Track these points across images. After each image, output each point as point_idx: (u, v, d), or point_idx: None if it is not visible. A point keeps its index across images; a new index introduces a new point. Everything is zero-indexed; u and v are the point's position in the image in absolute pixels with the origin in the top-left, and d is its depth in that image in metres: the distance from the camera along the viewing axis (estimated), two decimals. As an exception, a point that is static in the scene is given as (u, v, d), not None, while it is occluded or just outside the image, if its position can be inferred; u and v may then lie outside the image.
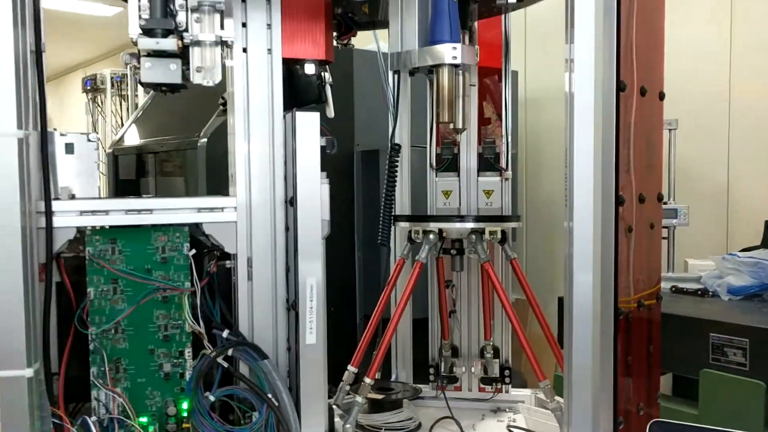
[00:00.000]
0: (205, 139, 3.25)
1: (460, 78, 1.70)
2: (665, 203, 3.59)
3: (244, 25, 1.63)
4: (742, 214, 3.90)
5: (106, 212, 1.55)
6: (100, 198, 1.64)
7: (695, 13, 3.93)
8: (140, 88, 6.93)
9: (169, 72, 1.48)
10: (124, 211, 1.56)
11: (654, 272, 1.80)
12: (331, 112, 1.84)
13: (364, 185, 3.47)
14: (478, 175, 2.21)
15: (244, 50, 1.64)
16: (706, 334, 2.61)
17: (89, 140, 1.65)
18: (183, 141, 3.46)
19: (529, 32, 4.67)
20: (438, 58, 1.62)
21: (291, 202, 1.65)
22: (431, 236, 1.95)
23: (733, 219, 3.94)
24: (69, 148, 1.62)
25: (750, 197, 3.87)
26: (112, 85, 7.56)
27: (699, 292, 3.12)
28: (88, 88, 7.77)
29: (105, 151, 4.36)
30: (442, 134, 2.25)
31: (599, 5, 1.51)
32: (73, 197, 1.61)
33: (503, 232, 1.97)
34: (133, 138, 4.22)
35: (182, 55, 1.49)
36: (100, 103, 7.85)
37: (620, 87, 1.51)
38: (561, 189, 1.58)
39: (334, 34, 1.99)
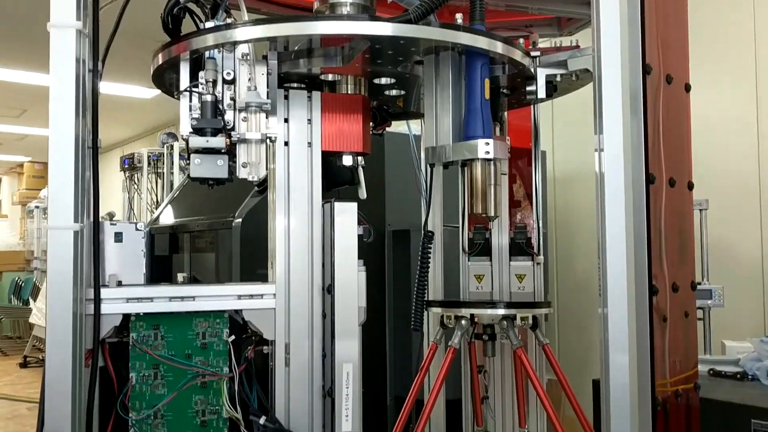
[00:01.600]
0: (240, 220, 3.33)
1: (492, 169, 1.75)
2: (699, 284, 3.55)
3: (286, 120, 1.72)
4: (780, 293, 3.83)
5: (151, 299, 1.61)
6: (145, 285, 1.70)
7: (721, 92, 3.98)
8: (176, 166, 7.13)
9: (216, 168, 1.56)
10: (168, 298, 1.62)
11: (690, 360, 1.78)
12: (363, 194, 1.89)
13: (395, 265, 3.50)
14: (510, 260, 2.24)
15: (286, 143, 1.72)
16: (747, 421, 2.53)
17: (137, 229, 1.72)
18: (217, 221, 3.55)
19: (556, 111, 4.76)
20: (472, 153, 1.68)
21: (329, 289, 1.69)
22: (463, 322, 1.96)
23: (770, 298, 3.87)
24: (118, 237, 1.69)
25: (787, 275, 3.81)
26: (149, 163, 7.75)
27: (738, 376, 3.04)
28: (126, 166, 8.02)
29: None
30: (473, 219, 2.29)
31: (626, 98, 1.56)
32: (119, 284, 1.66)
33: (535, 318, 1.98)
34: (168, 217, 4.35)
35: (229, 151, 1.57)
36: (136, 181, 8.08)
37: (650, 179, 1.54)
38: (593, 268, 1.59)
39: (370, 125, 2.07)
